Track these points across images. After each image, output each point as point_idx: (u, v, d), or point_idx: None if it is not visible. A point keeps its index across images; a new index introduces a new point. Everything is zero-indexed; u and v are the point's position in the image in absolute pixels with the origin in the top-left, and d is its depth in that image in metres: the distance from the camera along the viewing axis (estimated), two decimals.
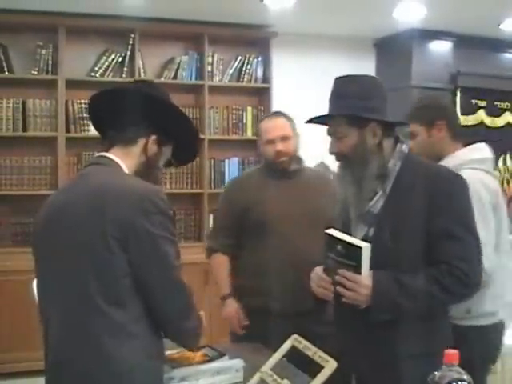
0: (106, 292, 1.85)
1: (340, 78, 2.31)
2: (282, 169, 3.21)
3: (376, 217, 2.26)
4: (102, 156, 2.08)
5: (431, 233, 2.18)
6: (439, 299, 2.20)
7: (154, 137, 2.09)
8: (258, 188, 3.24)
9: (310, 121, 2.40)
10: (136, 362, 1.87)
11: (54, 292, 1.96)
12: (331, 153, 2.34)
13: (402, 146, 2.33)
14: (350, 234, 2.29)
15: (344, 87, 2.28)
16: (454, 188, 2.24)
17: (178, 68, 6.08)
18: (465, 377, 1.60)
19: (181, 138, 2.19)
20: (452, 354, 1.62)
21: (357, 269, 2.15)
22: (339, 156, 2.32)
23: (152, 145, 2.09)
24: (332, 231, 2.24)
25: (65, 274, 1.92)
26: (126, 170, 2.05)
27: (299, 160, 3.30)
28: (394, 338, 2.21)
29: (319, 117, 2.35)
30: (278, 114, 3.33)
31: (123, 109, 2.09)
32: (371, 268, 2.16)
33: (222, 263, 3.33)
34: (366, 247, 2.11)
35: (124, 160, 2.06)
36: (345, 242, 2.17)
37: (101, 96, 2.17)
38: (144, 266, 1.87)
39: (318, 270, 2.34)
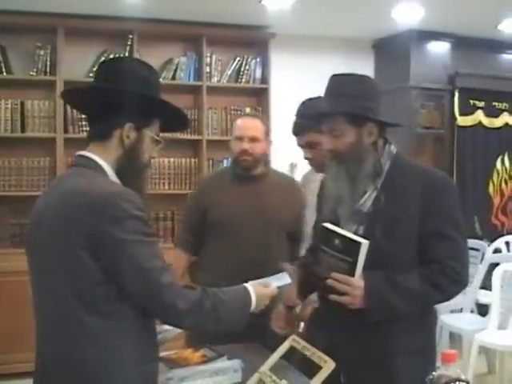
0: (84, 301, 1.80)
1: (338, 75, 2.32)
2: (245, 170, 3.22)
3: (366, 215, 2.28)
4: (80, 156, 2.00)
5: (423, 232, 2.21)
6: (432, 298, 2.23)
7: (128, 125, 1.97)
8: (221, 189, 3.26)
9: (309, 119, 2.41)
10: (120, 368, 1.84)
11: (40, 297, 1.95)
12: (326, 149, 2.35)
13: (391, 146, 2.36)
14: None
15: (344, 85, 2.28)
16: (445, 188, 2.28)
17: (176, 69, 6.09)
18: (462, 377, 1.61)
19: (160, 113, 2.07)
20: (450, 354, 1.62)
21: (352, 265, 2.14)
22: (334, 153, 2.32)
23: (129, 133, 1.97)
24: (329, 225, 2.24)
25: (44, 283, 1.90)
26: (105, 167, 1.96)
27: (266, 164, 3.32)
28: (383, 336, 2.23)
29: (318, 114, 2.35)
30: (255, 115, 3.40)
31: (89, 105, 2.01)
32: (363, 268, 2.17)
33: (177, 258, 3.33)
34: (365, 244, 2.11)
35: (102, 156, 1.97)
36: (344, 236, 2.16)
37: (69, 94, 2.09)
38: (119, 273, 1.81)
39: (280, 310, 2.42)
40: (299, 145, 2.86)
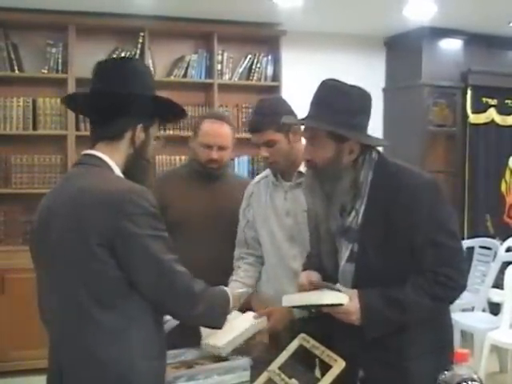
0: (97, 298, 1.82)
1: (329, 82, 2.24)
2: (209, 175, 3.14)
3: (358, 232, 2.24)
4: (87, 155, 2.02)
5: (414, 243, 2.15)
6: (429, 307, 2.18)
7: (139, 126, 2.02)
8: (178, 188, 3.18)
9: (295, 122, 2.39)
10: (133, 363, 1.85)
11: (49, 297, 1.96)
12: (304, 158, 2.30)
13: (372, 154, 2.27)
14: (334, 249, 2.31)
15: (331, 97, 2.19)
16: (431, 195, 2.18)
17: (187, 66, 6.08)
18: (475, 376, 1.59)
19: (162, 113, 2.11)
20: (462, 353, 1.60)
21: (336, 306, 2.16)
22: (311, 164, 2.26)
23: (139, 134, 2.02)
24: (288, 301, 2.29)
25: (56, 282, 1.91)
26: (113, 166, 1.99)
27: (225, 165, 3.23)
28: (398, 342, 2.21)
29: (301, 119, 2.29)
30: (224, 119, 3.21)
31: (98, 108, 2.01)
32: (358, 285, 2.19)
33: None
34: (328, 299, 2.13)
35: (111, 155, 1.99)
36: (307, 305, 2.22)
37: (76, 95, 2.13)
38: (135, 268, 1.84)
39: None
40: (256, 143, 2.80)
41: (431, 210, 2.16)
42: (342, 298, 2.13)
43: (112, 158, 1.99)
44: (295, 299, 2.28)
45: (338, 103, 2.17)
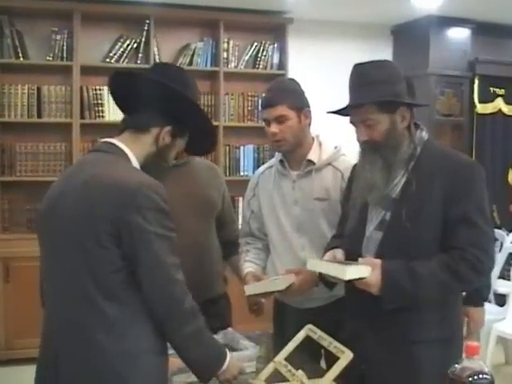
0: (100, 287, 1.82)
1: (360, 64, 2.29)
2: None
3: (393, 201, 2.26)
4: (105, 142, 2.02)
5: (448, 217, 2.18)
6: (451, 285, 2.19)
7: (168, 127, 2.02)
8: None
9: (336, 112, 2.38)
10: (134, 357, 1.84)
11: (53, 282, 1.95)
12: (361, 141, 2.31)
13: (422, 132, 2.33)
14: (364, 219, 2.31)
15: (368, 74, 2.25)
16: (474, 176, 2.24)
17: (193, 54, 6.06)
18: (486, 369, 1.57)
19: (196, 131, 2.12)
20: (473, 346, 1.59)
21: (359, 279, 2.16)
22: (370, 143, 2.29)
23: (165, 135, 2.03)
24: (313, 266, 2.31)
25: (61, 266, 1.90)
26: (132, 158, 1.98)
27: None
28: (406, 324, 2.22)
29: (348, 107, 2.30)
30: None
31: (139, 94, 2.02)
32: (381, 254, 2.19)
33: None
34: (351, 275, 2.12)
35: (132, 147, 1.99)
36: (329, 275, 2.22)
37: (120, 76, 2.10)
38: (136, 262, 1.83)
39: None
40: (267, 118, 2.77)
41: (471, 189, 2.21)
42: (364, 272, 2.13)
43: (132, 150, 1.99)
44: (320, 265, 2.29)
45: (375, 77, 2.23)
